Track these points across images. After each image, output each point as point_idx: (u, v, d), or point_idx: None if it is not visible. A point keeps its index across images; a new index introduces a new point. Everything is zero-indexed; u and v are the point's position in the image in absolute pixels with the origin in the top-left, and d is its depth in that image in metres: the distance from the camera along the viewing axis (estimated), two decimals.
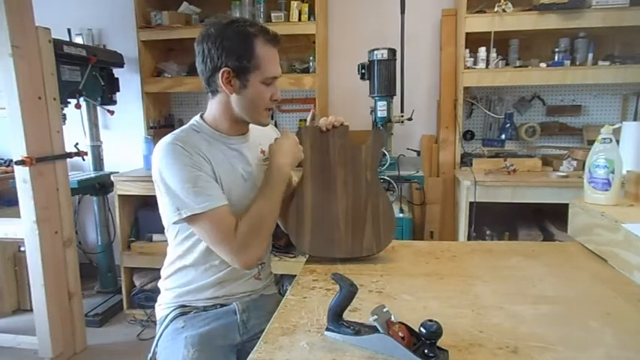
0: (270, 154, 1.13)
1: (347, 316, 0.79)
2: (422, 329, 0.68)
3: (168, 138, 1.08)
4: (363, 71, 2.28)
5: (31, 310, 2.12)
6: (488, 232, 2.46)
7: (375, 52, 2.23)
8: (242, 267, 1.08)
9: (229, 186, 1.10)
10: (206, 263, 1.14)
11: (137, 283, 2.64)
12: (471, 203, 2.19)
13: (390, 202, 1.18)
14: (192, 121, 1.17)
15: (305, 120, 2.80)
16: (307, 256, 1.19)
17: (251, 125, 1.24)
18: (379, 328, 0.71)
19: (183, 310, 1.16)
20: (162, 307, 1.20)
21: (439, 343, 0.69)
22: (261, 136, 1.25)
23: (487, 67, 2.43)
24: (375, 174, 1.17)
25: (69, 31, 2.82)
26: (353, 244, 1.15)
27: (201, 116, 1.17)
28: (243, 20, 1.11)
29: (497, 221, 2.50)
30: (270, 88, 1.11)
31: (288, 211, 1.15)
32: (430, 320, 0.68)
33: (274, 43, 1.09)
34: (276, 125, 2.74)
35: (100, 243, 2.88)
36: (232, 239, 1.04)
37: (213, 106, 1.15)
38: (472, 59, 2.44)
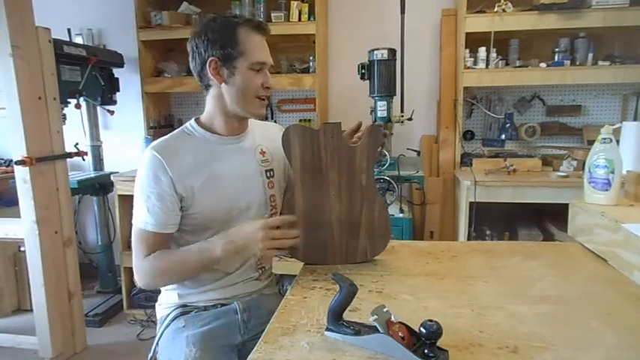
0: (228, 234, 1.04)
1: (347, 316, 0.79)
2: (422, 329, 0.68)
3: (152, 144, 1.11)
4: (363, 71, 2.28)
5: (31, 310, 2.12)
6: (488, 232, 2.46)
7: (375, 52, 2.23)
8: (141, 286, 1.12)
9: (205, 190, 1.10)
10: None
11: None
12: (471, 203, 2.19)
13: (385, 206, 1.14)
14: (186, 124, 1.17)
15: (303, 120, 2.82)
16: None
17: (252, 125, 1.23)
18: (379, 328, 0.71)
19: (184, 310, 1.16)
20: (163, 307, 1.21)
21: (439, 343, 0.69)
22: (263, 136, 1.24)
23: (487, 67, 2.43)
24: (370, 177, 1.09)
25: (69, 31, 2.82)
26: (347, 251, 1.12)
27: (196, 119, 1.18)
28: (227, 14, 1.12)
29: (497, 221, 2.50)
30: (259, 74, 1.10)
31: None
32: (430, 320, 0.68)
33: (258, 30, 1.10)
34: None
35: (100, 243, 2.88)
36: (141, 260, 1.07)
37: (208, 103, 1.16)
38: (472, 59, 2.44)
